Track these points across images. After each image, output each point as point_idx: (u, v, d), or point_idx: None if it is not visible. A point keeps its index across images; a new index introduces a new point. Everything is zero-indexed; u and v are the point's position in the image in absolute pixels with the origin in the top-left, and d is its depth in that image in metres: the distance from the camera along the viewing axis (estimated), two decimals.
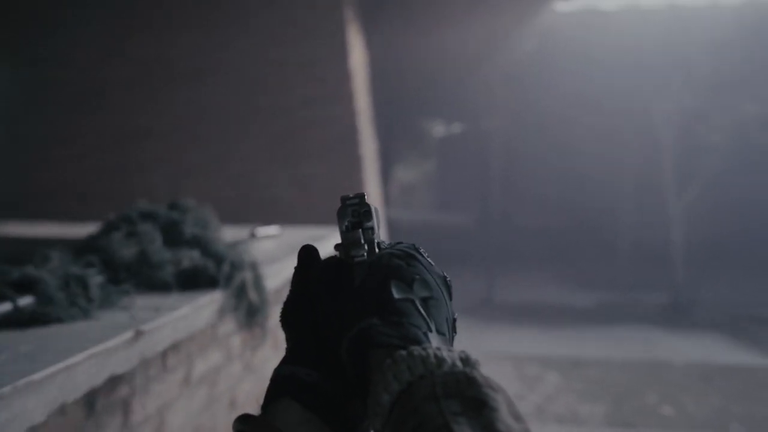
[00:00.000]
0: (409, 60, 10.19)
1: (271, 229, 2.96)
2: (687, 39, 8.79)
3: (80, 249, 1.81)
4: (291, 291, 0.59)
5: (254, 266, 1.97)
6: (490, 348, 6.79)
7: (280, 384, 0.53)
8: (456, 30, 8.23)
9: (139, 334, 1.48)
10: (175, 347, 1.72)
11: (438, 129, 22.06)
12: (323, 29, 5.00)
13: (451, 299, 0.56)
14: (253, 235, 2.86)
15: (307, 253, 0.60)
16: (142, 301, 1.74)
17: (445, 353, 0.46)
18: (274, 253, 2.53)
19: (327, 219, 5.25)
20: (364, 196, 0.57)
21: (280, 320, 0.58)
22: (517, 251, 12.45)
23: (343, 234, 0.57)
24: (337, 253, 0.58)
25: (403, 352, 0.46)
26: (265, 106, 5.08)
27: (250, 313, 1.96)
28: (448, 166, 20.99)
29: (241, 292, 1.91)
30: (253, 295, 1.92)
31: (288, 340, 0.57)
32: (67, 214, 4.43)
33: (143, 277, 1.78)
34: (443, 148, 21.65)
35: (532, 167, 13.62)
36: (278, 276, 2.34)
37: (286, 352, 0.57)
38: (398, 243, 0.59)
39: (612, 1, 8.68)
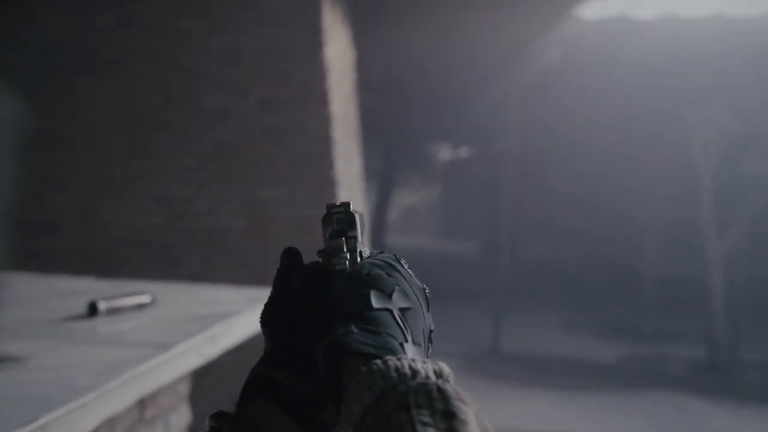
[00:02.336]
0: (414, 74, 9.30)
1: (133, 299, 1.70)
2: (733, 55, 7.60)
3: None
4: (272, 293, 0.59)
5: None
6: (495, 420, 5.49)
7: (256, 384, 0.54)
8: (468, 40, 7.32)
9: None
10: None
11: (444, 152, 21.45)
12: (289, 9, 3.79)
13: (428, 310, 0.57)
14: (93, 311, 1.60)
15: (290, 255, 0.61)
16: None
17: (419, 365, 0.47)
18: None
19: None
20: (350, 204, 0.58)
21: (260, 321, 0.59)
22: (527, 288, 11.56)
23: (326, 241, 0.57)
24: (319, 258, 0.58)
25: (379, 362, 0.47)
26: (210, 108, 3.85)
27: None
28: (454, 191, 20.55)
29: None
30: None
31: (266, 342, 0.58)
32: None
33: None
34: (450, 172, 21.21)
35: (546, 194, 12.85)
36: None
37: (264, 354, 0.57)
38: (380, 252, 0.60)
39: (647, 9, 7.50)
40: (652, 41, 7.80)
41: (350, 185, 4.44)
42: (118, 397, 1.12)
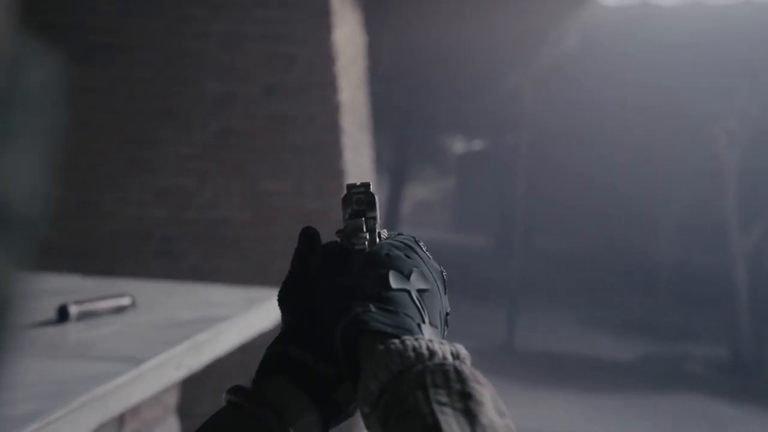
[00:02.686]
0: (427, 63, 9.08)
1: (110, 302, 1.51)
2: (759, 43, 7.27)
3: None
4: (290, 272, 0.59)
5: None
6: None
7: (273, 361, 0.55)
8: (483, 27, 7.07)
9: None
10: None
11: (458, 144, 21.24)
12: None
13: (445, 293, 0.57)
14: (64, 316, 1.42)
15: (308, 235, 0.61)
16: None
17: (436, 345, 0.47)
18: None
19: (289, 257, 3.80)
20: (370, 185, 0.58)
21: (278, 300, 0.59)
22: (541, 282, 11.35)
23: (346, 221, 0.57)
24: (338, 238, 0.58)
25: (396, 341, 0.47)
26: (212, 95, 3.66)
27: None
28: (467, 184, 20.33)
29: None
30: None
31: (283, 320, 0.59)
32: None
33: None
34: (463, 164, 20.95)
35: (561, 186, 12.53)
36: None
37: (281, 332, 0.57)
38: (398, 234, 0.60)
39: None
40: (675, 28, 7.49)
41: (360, 177, 4.24)
42: (69, 428, 0.93)
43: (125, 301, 1.58)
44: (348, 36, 4.06)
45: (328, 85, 3.63)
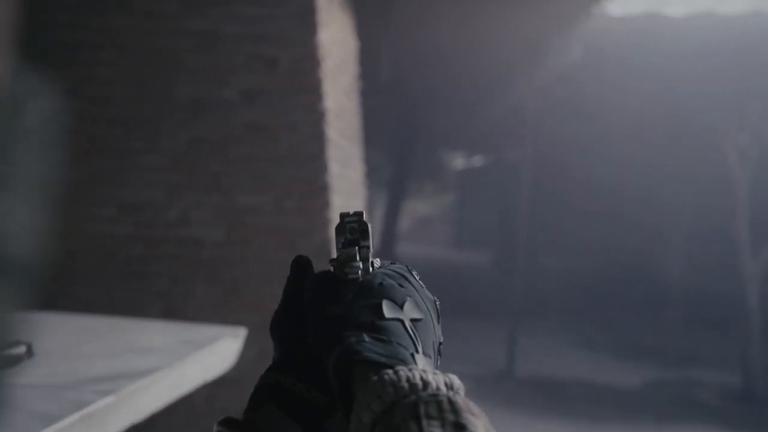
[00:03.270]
0: (427, 75, 8.94)
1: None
2: None
3: None
4: (282, 301, 0.59)
5: None
6: None
7: (265, 391, 0.54)
8: (485, 38, 6.99)
9: None
10: None
11: (458, 160, 21.16)
12: None
13: (438, 322, 0.57)
14: None
15: (300, 264, 0.61)
16: None
17: (430, 376, 0.47)
18: None
19: (267, 280, 3.47)
20: (363, 214, 0.58)
21: (270, 329, 0.59)
22: (543, 303, 10.99)
23: (339, 250, 0.57)
24: (331, 267, 0.58)
25: (390, 371, 0.47)
26: (184, 100, 3.32)
27: None
28: (467, 201, 20.26)
29: None
30: None
31: (275, 349, 0.58)
32: None
33: None
34: (463, 180, 20.89)
35: (564, 203, 12.30)
36: None
37: (273, 362, 0.57)
38: (392, 263, 0.60)
39: (680, 4, 6.93)
40: (683, 39, 7.22)
41: (349, 192, 3.89)
42: None
43: (20, 349, 1.22)
44: (336, 37, 3.74)
45: (313, 90, 3.29)
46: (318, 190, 3.28)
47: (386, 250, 13.03)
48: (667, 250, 9.81)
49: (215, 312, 3.28)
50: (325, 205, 3.29)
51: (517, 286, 7.86)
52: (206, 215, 3.31)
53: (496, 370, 7.33)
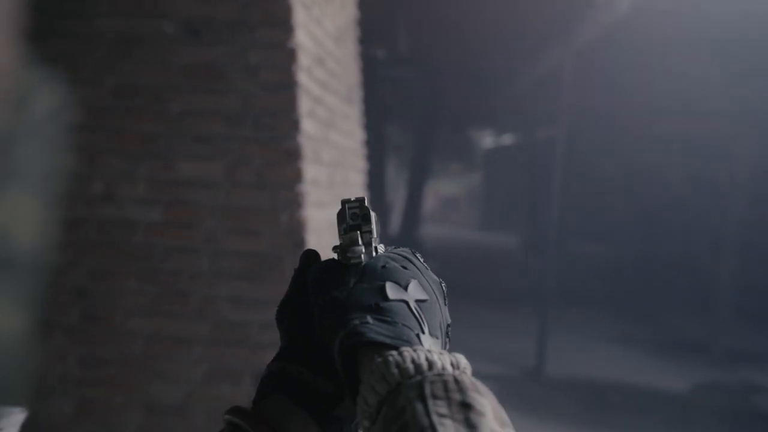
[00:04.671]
0: (452, 43, 8.37)
1: None
2: None
3: None
4: (288, 290, 0.60)
5: None
6: None
7: (272, 380, 0.55)
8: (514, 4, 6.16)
9: None
10: None
11: (487, 139, 20.44)
12: None
13: (445, 304, 0.57)
14: None
15: (308, 256, 0.61)
16: None
17: (435, 356, 0.47)
18: None
19: (216, 277, 2.64)
20: (364, 200, 0.58)
21: (276, 318, 0.59)
22: (576, 292, 10.20)
23: (341, 236, 0.57)
24: (335, 254, 0.58)
25: (394, 353, 0.47)
26: (107, 35, 2.49)
27: None
28: (496, 181, 19.92)
29: None
30: None
31: (282, 338, 0.59)
32: None
33: None
34: (492, 160, 20.27)
35: (601, 184, 11.57)
36: None
37: (280, 350, 0.57)
38: (395, 247, 0.60)
39: None
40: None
41: (336, 162, 3.04)
42: None
43: None
44: None
45: (279, 20, 2.43)
46: (284, 156, 2.44)
47: (408, 232, 12.32)
48: (717, 236, 8.96)
49: (149, 318, 2.49)
50: (296, 176, 2.45)
51: (547, 274, 7.09)
52: (137, 189, 2.49)
53: (525, 369, 6.57)
